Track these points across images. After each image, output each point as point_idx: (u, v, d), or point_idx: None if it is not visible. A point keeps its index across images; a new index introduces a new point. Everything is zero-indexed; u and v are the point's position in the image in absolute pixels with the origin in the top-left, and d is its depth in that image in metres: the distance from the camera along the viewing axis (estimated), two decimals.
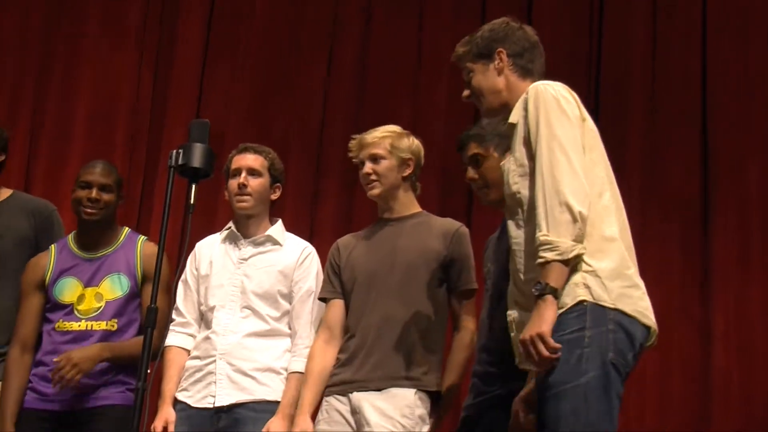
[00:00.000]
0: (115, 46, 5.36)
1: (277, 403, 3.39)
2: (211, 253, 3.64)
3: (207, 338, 3.49)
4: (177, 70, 5.39)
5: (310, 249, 3.63)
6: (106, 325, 3.49)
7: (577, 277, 2.50)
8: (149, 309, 2.69)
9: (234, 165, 3.55)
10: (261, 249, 3.58)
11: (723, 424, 4.70)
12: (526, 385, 2.73)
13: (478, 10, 5.20)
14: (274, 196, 3.63)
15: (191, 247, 3.60)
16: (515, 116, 2.70)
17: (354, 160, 3.50)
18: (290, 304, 3.54)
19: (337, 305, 3.41)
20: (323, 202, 5.19)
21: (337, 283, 3.44)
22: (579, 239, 2.48)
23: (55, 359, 3.40)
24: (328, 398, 3.32)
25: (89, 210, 3.52)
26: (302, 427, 3.30)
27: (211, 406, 3.40)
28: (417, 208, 3.45)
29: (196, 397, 3.43)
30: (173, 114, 5.29)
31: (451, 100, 5.06)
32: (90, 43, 5.41)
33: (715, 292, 4.91)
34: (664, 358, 4.60)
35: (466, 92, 2.91)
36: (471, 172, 3.22)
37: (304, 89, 5.35)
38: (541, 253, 2.48)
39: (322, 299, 3.48)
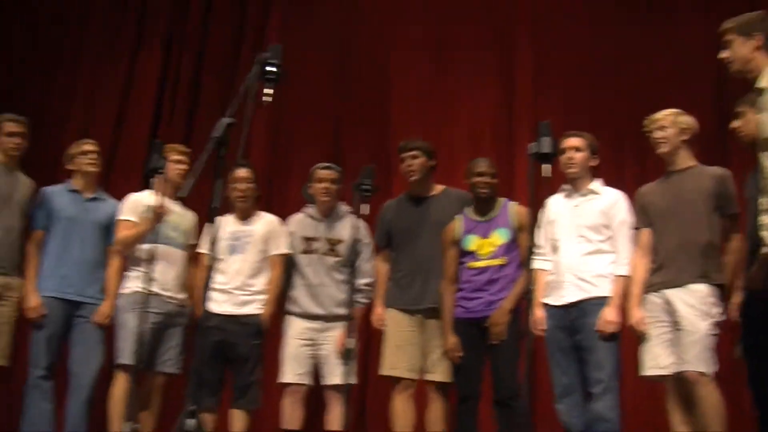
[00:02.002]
0: (480, 84, 6.34)
1: (607, 297, 4.14)
2: (555, 204, 4.42)
3: (557, 260, 4.31)
4: (518, 91, 6.20)
5: (620, 195, 4.33)
6: (498, 261, 4.38)
7: None
8: (528, 248, 3.58)
9: (564, 146, 4.33)
10: (587, 198, 4.35)
11: None
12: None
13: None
14: (592, 164, 4.41)
15: (540, 203, 4.34)
16: (764, 82, 3.29)
17: (648, 133, 4.23)
18: (610, 231, 4.25)
19: (646, 232, 4.18)
20: (625, 167, 5.87)
21: (644, 216, 4.20)
22: None
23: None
24: (646, 295, 4.08)
25: (484, 190, 4.48)
26: (636, 314, 4.08)
27: (563, 303, 4.22)
28: (693, 162, 4.17)
29: (554, 299, 4.27)
30: (521, 118, 6.13)
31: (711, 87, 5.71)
32: (466, 80, 6.41)
33: None
34: None
35: (725, 54, 3.46)
36: (735, 123, 3.98)
37: (610, 90, 6.13)
38: None
39: (636, 228, 4.21)
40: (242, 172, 4.87)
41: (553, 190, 4.54)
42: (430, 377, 4.54)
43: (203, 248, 4.85)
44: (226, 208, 4.85)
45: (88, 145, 5.05)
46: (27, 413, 4.66)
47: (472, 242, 4.49)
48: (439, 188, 4.84)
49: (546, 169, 3.42)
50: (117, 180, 6.29)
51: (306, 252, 4.84)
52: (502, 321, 4.27)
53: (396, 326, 4.63)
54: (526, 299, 3.83)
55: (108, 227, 4.93)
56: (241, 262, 4.80)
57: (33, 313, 4.73)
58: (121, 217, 4.87)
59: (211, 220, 3.20)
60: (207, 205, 3.18)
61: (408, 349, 4.56)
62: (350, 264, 4.38)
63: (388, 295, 4.74)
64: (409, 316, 4.61)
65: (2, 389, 5.06)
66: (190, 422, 2.90)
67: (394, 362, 4.57)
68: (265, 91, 3.12)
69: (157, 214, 4.64)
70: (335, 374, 4.63)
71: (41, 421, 4.63)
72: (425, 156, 4.74)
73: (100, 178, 5.18)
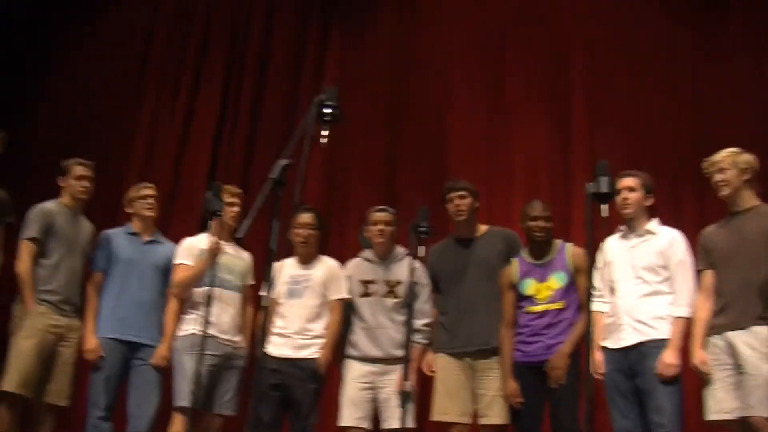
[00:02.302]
0: (536, 123, 6.31)
1: (666, 340, 4.08)
2: (612, 245, 4.40)
3: (615, 302, 4.28)
4: (574, 130, 6.19)
5: (677, 234, 4.30)
6: (556, 305, 4.37)
7: None
8: (586, 291, 3.55)
9: (618, 186, 4.29)
10: (643, 238, 4.32)
11: None
12: None
13: None
14: (648, 203, 4.38)
15: (598, 244, 4.38)
16: None
17: (707, 175, 4.21)
18: (667, 272, 4.22)
19: (709, 274, 4.13)
20: (684, 204, 5.76)
21: (706, 258, 4.17)
22: None
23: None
24: (709, 338, 4.04)
25: (539, 234, 4.47)
26: (699, 356, 4.02)
27: (622, 346, 4.18)
28: (756, 202, 4.11)
29: (612, 342, 4.23)
30: (577, 158, 6.08)
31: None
32: (521, 120, 6.35)
33: None
34: None
35: None
36: None
37: (666, 128, 6.03)
38: None
39: (699, 270, 4.16)
40: (305, 218, 4.89)
41: (610, 230, 4.50)
42: (484, 421, 4.52)
43: (262, 291, 4.86)
44: (287, 249, 4.89)
45: (147, 189, 5.16)
46: None
47: (530, 286, 4.49)
48: (483, 228, 4.87)
49: (604, 209, 3.38)
50: (177, 221, 6.41)
51: (364, 295, 4.83)
52: (561, 365, 4.25)
53: (445, 371, 4.63)
54: (585, 342, 3.77)
55: (166, 270, 5.00)
56: (300, 306, 4.80)
57: (91, 354, 4.81)
58: (177, 261, 4.94)
59: (269, 262, 3.20)
60: (265, 245, 3.20)
61: (459, 393, 4.56)
62: (408, 305, 4.35)
63: (436, 340, 4.74)
64: (457, 360, 4.61)
65: (63, 431, 5.09)
66: None
67: (445, 407, 4.57)
68: (322, 132, 3.14)
69: (212, 252, 4.68)
70: (394, 418, 4.53)
71: None
72: (472, 197, 4.78)
73: (158, 219, 5.26)
